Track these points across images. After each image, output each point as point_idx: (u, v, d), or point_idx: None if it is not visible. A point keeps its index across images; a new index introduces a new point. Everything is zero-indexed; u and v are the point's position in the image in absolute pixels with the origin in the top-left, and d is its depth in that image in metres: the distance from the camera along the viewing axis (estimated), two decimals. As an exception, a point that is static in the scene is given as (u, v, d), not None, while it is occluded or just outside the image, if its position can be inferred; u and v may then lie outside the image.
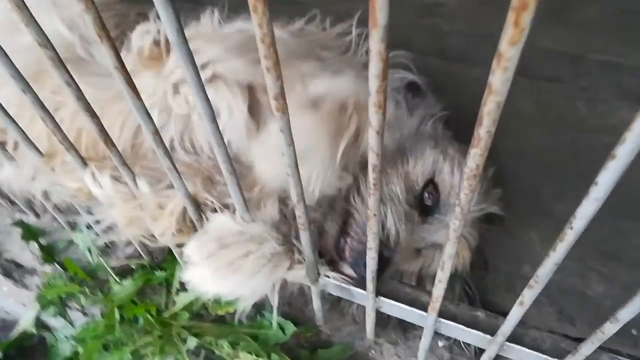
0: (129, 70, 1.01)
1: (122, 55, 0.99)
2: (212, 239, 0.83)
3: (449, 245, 0.68)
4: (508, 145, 1.22)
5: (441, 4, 1.93)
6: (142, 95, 1.04)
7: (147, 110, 0.72)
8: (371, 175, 0.62)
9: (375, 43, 0.45)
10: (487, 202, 1.15)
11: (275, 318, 1.14)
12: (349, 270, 1.01)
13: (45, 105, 1.08)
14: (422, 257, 1.13)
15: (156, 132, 0.75)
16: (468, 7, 1.90)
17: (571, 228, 0.56)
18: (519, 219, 1.40)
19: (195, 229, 0.99)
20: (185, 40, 0.55)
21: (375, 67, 0.47)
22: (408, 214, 1.06)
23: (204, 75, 0.95)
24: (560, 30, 1.64)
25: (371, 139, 0.57)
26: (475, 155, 0.51)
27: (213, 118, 0.67)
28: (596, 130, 1.56)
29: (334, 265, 1.02)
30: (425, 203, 1.09)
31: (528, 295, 0.70)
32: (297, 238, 0.90)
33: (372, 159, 0.60)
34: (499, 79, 0.42)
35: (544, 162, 1.51)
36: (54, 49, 0.69)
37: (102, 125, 0.80)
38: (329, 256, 1.03)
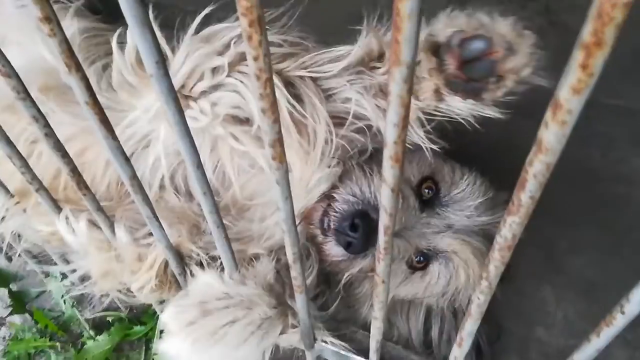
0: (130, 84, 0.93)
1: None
2: (193, 304, 0.72)
3: (470, 322, 0.58)
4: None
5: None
6: (134, 126, 0.96)
7: (123, 151, 0.62)
8: (382, 239, 0.53)
9: (397, 85, 0.36)
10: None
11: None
12: (334, 249, 0.96)
13: (22, 137, 0.99)
14: (427, 275, 1.04)
15: (134, 177, 0.65)
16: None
17: (622, 312, 0.47)
18: (530, 274, 1.31)
19: (178, 284, 0.88)
20: (166, 73, 0.46)
21: (394, 113, 0.38)
22: (402, 189, 0.98)
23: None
24: (571, 72, 1.55)
25: (384, 198, 0.47)
26: (513, 224, 0.42)
27: (199, 163, 0.58)
28: (611, 179, 1.47)
29: (319, 247, 0.98)
30: (424, 197, 1.02)
31: (561, 382, 0.60)
32: (292, 297, 0.80)
33: (385, 220, 0.50)
34: (554, 136, 0.33)
35: (557, 212, 1.41)
36: (19, 79, 0.60)
37: (75, 165, 0.71)
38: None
